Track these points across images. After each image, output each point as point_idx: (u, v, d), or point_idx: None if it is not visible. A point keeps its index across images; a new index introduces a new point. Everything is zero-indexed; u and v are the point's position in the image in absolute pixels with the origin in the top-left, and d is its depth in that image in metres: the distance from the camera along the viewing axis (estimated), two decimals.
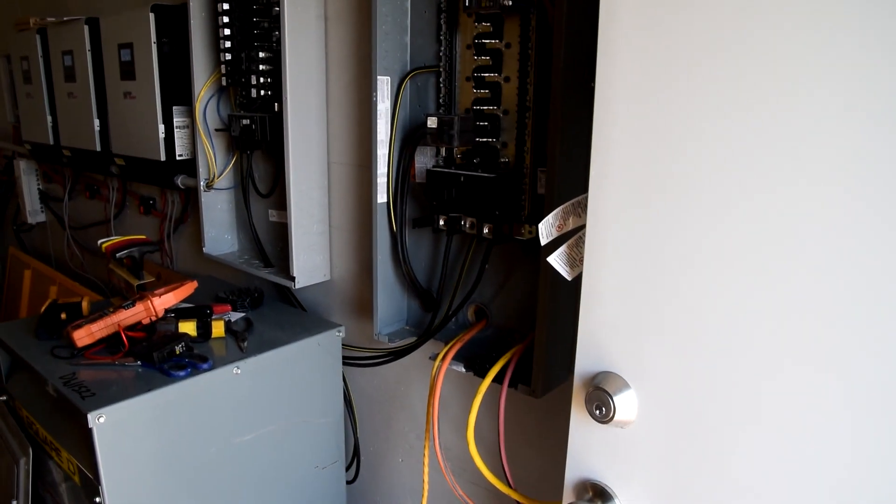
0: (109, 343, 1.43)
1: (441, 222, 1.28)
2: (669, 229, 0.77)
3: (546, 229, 0.95)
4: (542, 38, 1.13)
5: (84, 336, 1.40)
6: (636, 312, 0.82)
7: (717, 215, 0.73)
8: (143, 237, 1.67)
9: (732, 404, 0.75)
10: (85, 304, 1.57)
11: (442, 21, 1.27)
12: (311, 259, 1.67)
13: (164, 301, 1.47)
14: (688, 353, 0.78)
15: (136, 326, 1.46)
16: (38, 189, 3.12)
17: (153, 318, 1.46)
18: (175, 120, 1.94)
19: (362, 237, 1.62)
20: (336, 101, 1.60)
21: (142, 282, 1.60)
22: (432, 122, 1.20)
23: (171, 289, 1.49)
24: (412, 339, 1.43)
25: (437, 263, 1.40)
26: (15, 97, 2.85)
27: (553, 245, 0.94)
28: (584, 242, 0.85)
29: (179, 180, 2.00)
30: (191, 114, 1.84)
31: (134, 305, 1.44)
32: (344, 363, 1.64)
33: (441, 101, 1.31)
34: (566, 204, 0.94)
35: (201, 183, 1.84)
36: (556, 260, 0.93)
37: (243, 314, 1.63)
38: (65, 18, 2.23)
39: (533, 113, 1.17)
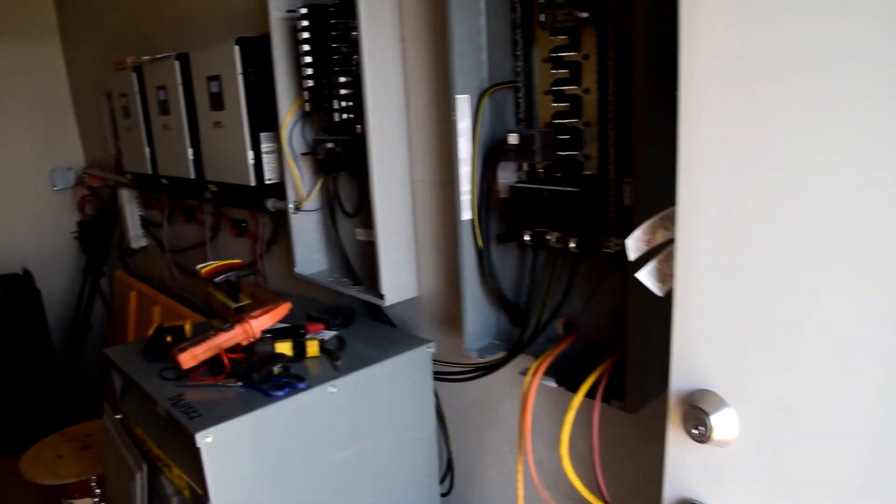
0: (212, 364, 1.50)
1: (526, 237, 1.27)
2: (765, 240, 0.74)
3: (634, 244, 0.93)
4: (620, 48, 1.12)
5: (189, 359, 1.47)
6: (732, 328, 0.79)
7: (816, 223, 0.70)
8: (239, 261, 1.74)
9: (839, 422, 0.71)
10: (188, 327, 1.66)
11: (518, 37, 1.27)
12: (400, 276, 1.70)
13: (260, 323, 1.53)
14: (789, 368, 0.75)
15: (236, 348, 1.52)
16: (140, 216, 3.32)
17: (251, 340, 1.52)
18: (263, 146, 2.01)
19: (448, 253, 1.64)
20: (416, 120, 1.63)
21: (239, 304, 1.67)
22: (513, 139, 1.21)
23: (266, 311, 1.55)
24: (502, 354, 1.43)
25: (523, 278, 1.40)
26: (116, 131, 3.04)
27: (642, 259, 0.93)
28: (673, 257, 0.84)
29: (269, 203, 2.07)
30: (277, 139, 1.91)
31: (233, 328, 1.50)
32: (435, 378, 1.66)
33: (520, 115, 1.31)
34: (654, 218, 0.92)
35: (290, 205, 1.90)
36: (647, 276, 0.91)
37: (336, 332, 1.68)
38: (157, 56, 2.36)
39: (615, 124, 1.15)
